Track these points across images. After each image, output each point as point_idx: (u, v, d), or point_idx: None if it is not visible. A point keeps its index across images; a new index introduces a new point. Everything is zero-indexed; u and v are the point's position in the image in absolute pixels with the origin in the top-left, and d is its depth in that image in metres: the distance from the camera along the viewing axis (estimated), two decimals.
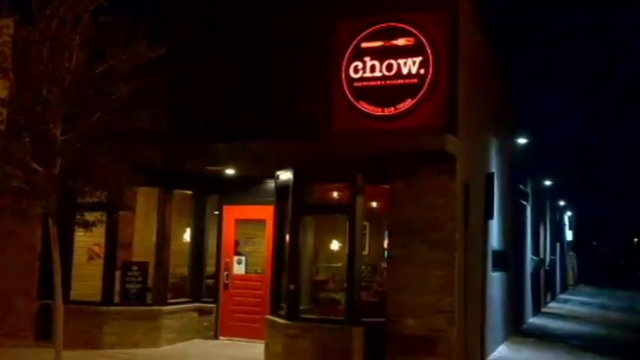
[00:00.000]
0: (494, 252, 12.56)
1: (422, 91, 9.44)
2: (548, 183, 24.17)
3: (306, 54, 10.27)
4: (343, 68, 9.89)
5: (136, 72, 8.06)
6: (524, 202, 18.47)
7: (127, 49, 7.96)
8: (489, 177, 11.31)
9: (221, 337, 12.06)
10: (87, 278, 11.46)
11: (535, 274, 20.92)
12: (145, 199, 12.25)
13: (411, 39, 9.60)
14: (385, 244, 10.20)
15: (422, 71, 9.49)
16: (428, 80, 9.44)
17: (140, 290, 11.28)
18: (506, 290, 14.39)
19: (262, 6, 10.77)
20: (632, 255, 58.64)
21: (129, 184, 8.37)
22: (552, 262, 27.91)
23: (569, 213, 37.82)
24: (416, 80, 9.50)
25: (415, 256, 9.30)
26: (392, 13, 9.75)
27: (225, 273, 12.19)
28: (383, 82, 9.69)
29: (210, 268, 12.39)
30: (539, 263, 22.21)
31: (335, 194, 11.18)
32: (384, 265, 10.37)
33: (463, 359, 9.47)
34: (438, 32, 9.53)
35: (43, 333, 10.85)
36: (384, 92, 9.65)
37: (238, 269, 12.23)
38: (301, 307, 10.15)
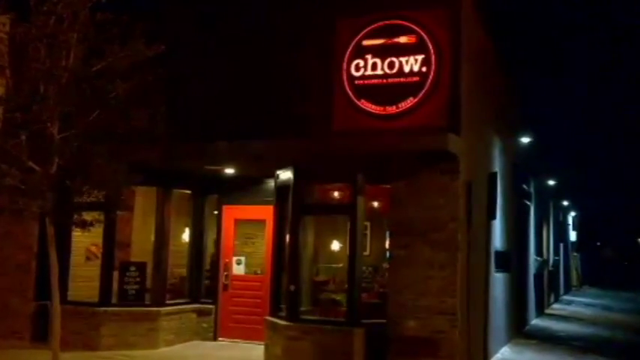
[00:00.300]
0: (497, 253, 12.54)
1: (424, 90, 9.44)
2: (551, 183, 24.14)
3: (306, 52, 10.26)
4: (344, 66, 9.89)
5: (134, 70, 8.05)
6: (528, 202, 18.46)
7: (125, 47, 7.96)
8: (492, 177, 11.30)
9: (220, 339, 12.06)
10: (84, 279, 11.46)
11: (538, 275, 20.90)
12: (144, 199, 12.24)
13: (413, 37, 9.60)
14: (386, 244, 10.20)
15: (424, 69, 9.48)
16: (430, 78, 9.44)
17: (138, 291, 11.28)
18: (509, 291, 14.38)
19: (262, 4, 10.76)
20: (636, 256, 58.60)
21: (127, 184, 8.35)
22: (556, 263, 27.88)
23: (572, 213, 37.78)
24: (418, 78, 9.50)
25: (417, 257, 9.30)
26: (393, 10, 9.75)
27: (225, 273, 12.19)
28: (384, 81, 9.68)
29: (209, 269, 12.38)
30: (542, 264, 22.19)
31: (336, 194, 11.17)
32: (385, 265, 10.37)
33: None
34: (440, 30, 9.52)
35: (40, 334, 10.85)
36: (386, 91, 9.64)
37: (238, 270, 12.22)
38: (301, 309, 10.15)
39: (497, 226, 12.51)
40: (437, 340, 9.05)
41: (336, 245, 11.61)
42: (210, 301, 12.16)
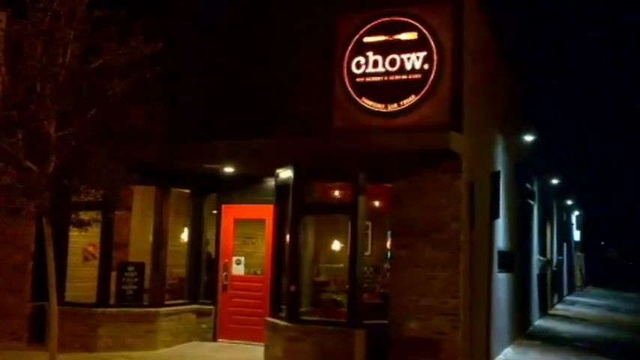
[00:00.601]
0: (500, 253, 12.54)
1: (426, 87, 9.43)
2: (555, 182, 24.13)
3: (306, 49, 10.26)
4: (345, 63, 9.88)
5: (132, 68, 8.05)
6: (531, 202, 18.45)
7: (123, 45, 7.96)
8: (495, 176, 11.29)
9: (219, 340, 12.05)
10: (82, 279, 11.46)
11: (542, 276, 20.90)
12: (142, 198, 12.24)
13: (415, 33, 9.58)
14: (388, 244, 10.19)
15: (426, 67, 9.47)
16: (432, 76, 9.42)
17: (136, 291, 11.29)
18: (512, 292, 14.37)
19: (260, 0, 10.76)
20: None
21: (125, 183, 8.36)
22: (559, 263, 27.89)
23: (576, 212, 37.79)
24: (420, 76, 9.49)
25: (419, 257, 9.29)
26: (395, 6, 9.74)
27: (224, 274, 12.18)
28: (386, 78, 9.67)
29: (208, 269, 12.37)
30: (545, 264, 22.18)
31: (336, 193, 11.17)
32: (386, 266, 10.36)
33: None
34: (443, 27, 9.51)
35: (37, 335, 10.86)
36: (387, 88, 9.64)
37: (237, 270, 12.21)
38: (302, 309, 10.14)
39: (500, 225, 12.50)
40: (439, 342, 9.04)
41: (336, 245, 11.61)
42: (209, 301, 12.15)
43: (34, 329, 11.09)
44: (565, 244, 31.50)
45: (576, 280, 38.18)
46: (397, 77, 9.61)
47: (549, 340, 15.32)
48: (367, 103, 9.72)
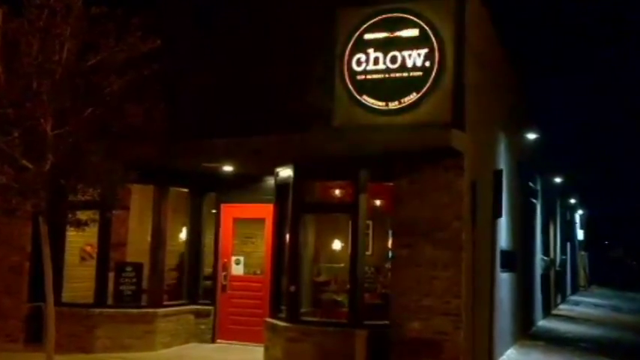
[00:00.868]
0: (503, 252, 12.54)
1: (427, 85, 9.42)
2: (558, 180, 24.13)
3: (306, 46, 10.25)
4: (345, 61, 9.87)
5: (130, 65, 8.04)
6: (534, 200, 18.45)
7: (120, 42, 7.95)
8: (497, 174, 11.29)
9: (219, 341, 12.05)
10: (79, 279, 11.46)
11: (545, 275, 20.90)
12: (140, 198, 12.23)
13: (416, 30, 9.57)
14: (389, 244, 10.18)
15: (427, 64, 9.46)
16: (433, 73, 9.41)
17: (134, 292, 11.29)
18: (515, 292, 14.37)
19: None
20: None
21: (122, 182, 8.35)
22: (563, 263, 27.90)
23: (580, 211, 37.78)
24: (421, 73, 9.48)
25: (420, 257, 9.29)
26: (396, 2, 9.73)
27: (223, 274, 12.18)
28: (386, 75, 9.67)
29: (207, 269, 12.38)
30: (549, 264, 22.19)
31: (337, 192, 11.17)
32: (387, 266, 10.35)
33: None
34: (444, 23, 9.50)
35: (34, 336, 10.86)
36: (388, 85, 9.63)
37: (237, 270, 12.21)
38: (302, 310, 10.15)
39: (503, 224, 12.50)
40: (441, 342, 9.04)
41: (337, 245, 11.61)
42: (208, 302, 12.15)
43: (30, 330, 11.08)
44: (568, 244, 31.50)
45: (580, 279, 38.19)
46: (398, 74, 9.60)
47: (553, 340, 15.32)
48: (368, 100, 9.72)
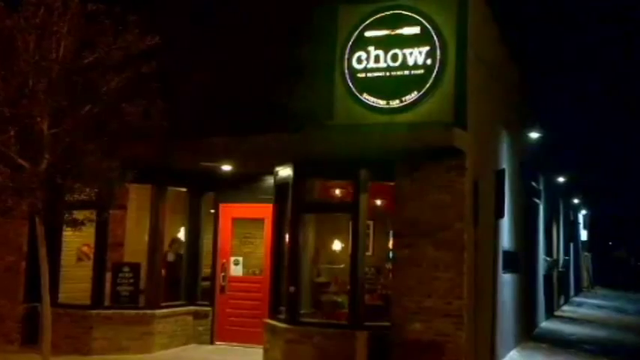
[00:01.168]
0: (505, 253, 12.54)
1: (429, 83, 9.43)
2: (561, 180, 24.13)
3: (306, 43, 10.25)
4: (346, 58, 9.88)
5: (127, 63, 8.05)
6: (537, 200, 18.45)
7: (118, 39, 7.96)
8: (500, 174, 11.28)
9: (217, 342, 12.05)
10: (76, 280, 11.47)
11: (548, 276, 20.91)
12: (138, 197, 12.23)
13: (418, 27, 9.58)
14: (390, 244, 10.19)
15: (429, 62, 9.47)
16: (435, 71, 9.42)
17: (132, 293, 11.28)
18: (518, 293, 14.37)
19: None
20: None
21: (120, 181, 8.36)
22: (566, 264, 27.89)
23: (583, 211, 37.79)
24: (422, 71, 9.49)
25: (421, 258, 9.29)
26: None
27: (222, 275, 12.18)
28: (387, 73, 9.67)
29: (205, 270, 12.38)
30: (552, 264, 22.19)
31: (337, 192, 11.17)
32: (388, 266, 10.36)
33: None
34: (446, 20, 9.51)
35: (30, 338, 10.85)
36: (389, 83, 9.64)
37: (235, 271, 12.21)
38: (302, 311, 10.15)
39: (505, 225, 12.50)
40: (443, 344, 9.04)
41: (337, 245, 11.61)
42: (206, 303, 12.15)
43: (26, 332, 11.09)
44: (572, 244, 31.50)
45: (583, 281, 38.19)
46: (399, 72, 9.61)
47: (556, 342, 15.33)
48: (368, 99, 9.72)
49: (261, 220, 11.92)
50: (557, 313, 22.70)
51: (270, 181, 11.32)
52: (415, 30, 9.60)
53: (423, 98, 9.45)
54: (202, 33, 11.04)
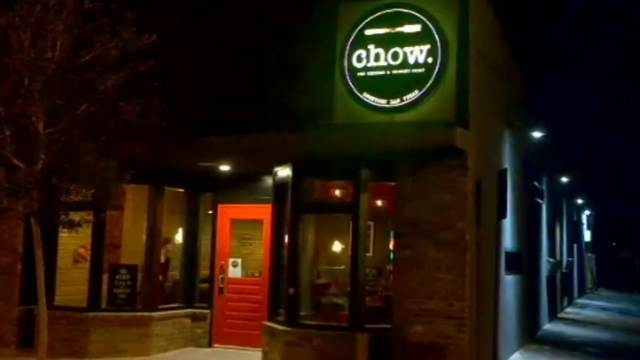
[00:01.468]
0: (508, 254, 12.55)
1: (430, 82, 9.43)
2: (565, 180, 24.14)
3: (306, 42, 10.26)
4: (346, 56, 9.88)
5: (124, 62, 8.06)
6: (540, 200, 18.46)
7: (115, 37, 7.96)
8: (502, 173, 11.29)
9: (215, 345, 12.06)
10: (72, 282, 11.47)
11: (551, 278, 20.92)
12: (135, 198, 12.25)
13: (418, 25, 9.58)
14: (391, 245, 10.20)
15: (430, 60, 9.47)
16: (436, 70, 9.42)
17: (129, 295, 11.29)
18: (521, 294, 14.39)
19: None
20: None
21: (117, 182, 8.37)
22: (569, 265, 27.91)
23: (587, 212, 37.79)
24: (423, 70, 9.49)
25: (423, 258, 9.29)
26: None
27: (220, 276, 12.18)
28: (388, 72, 9.68)
29: (204, 272, 12.38)
30: (555, 266, 22.21)
31: (337, 192, 11.18)
32: (389, 267, 10.37)
33: None
34: (448, 18, 9.52)
35: (26, 341, 10.87)
36: (389, 82, 9.64)
37: (234, 272, 12.22)
38: (301, 313, 10.16)
39: (508, 225, 12.52)
40: (444, 346, 9.05)
41: (337, 246, 11.61)
42: (205, 305, 12.14)
43: (22, 334, 11.10)
44: (575, 245, 31.52)
45: (587, 282, 38.20)
46: (400, 71, 9.61)
47: (559, 344, 15.34)
48: (369, 98, 9.73)
49: (260, 221, 11.92)
50: (560, 315, 22.71)
51: (269, 181, 11.33)
52: (416, 28, 9.60)
53: (424, 97, 9.46)
54: (201, 31, 11.05)
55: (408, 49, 9.59)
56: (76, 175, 7.90)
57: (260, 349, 10.54)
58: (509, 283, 12.80)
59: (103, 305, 11.12)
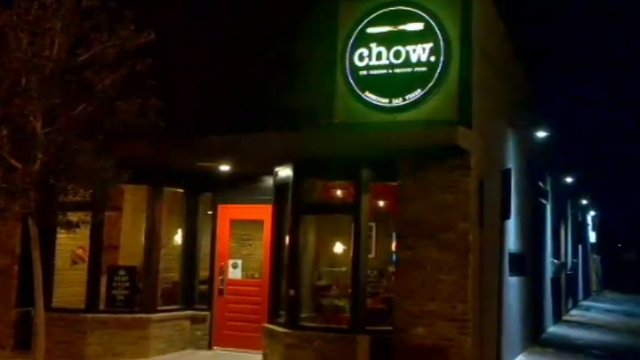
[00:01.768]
0: (511, 255, 12.55)
1: (432, 81, 9.43)
2: (569, 180, 24.14)
3: (306, 40, 10.27)
4: (347, 55, 9.89)
5: (123, 61, 8.06)
6: (544, 201, 18.46)
7: (113, 36, 7.97)
8: (506, 173, 11.30)
9: (215, 348, 12.06)
10: (70, 284, 11.48)
11: (555, 279, 20.92)
12: (133, 198, 12.26)
13: (421, 24, 9.59)
14: (393, 246, 10.20)
15: (432, 59, 9.47)
16: (439, 69, 9.43)
17: (127, 297, 11.30)
18: (524, 296, 14.39)
19: None
20: None
21: (115, 182, 8.37)
22: (574, 266, 27.90)
23: (592, 212, 37.78)
24: (426, 69, 9.50)
25: (425, 260, 9.29)
26: None
27: (220, 278, 12.18)
28: (390, 71, 9.68)
29: (203, 273, 12.39)
30: (559, 267, 22.20)
31: (338, 192, 11.17)
32: (391, 269, 10.36)
33: None
34: (450, 16, 9.51)
35: (23, 343, 10.87)
36: (391, 81, 9.64)
37: (234, 274, 12.22)
38: (302, 315, 10.15)
39: (512, 226, 12.52)
40: (447, 349, 9.04)
41: (338, 247, 11.61)
42: (204, 307, 12.15)
43: (19, 336, 11.10)
44: (580, 247, 31.52)
45: (592, 284, 38.20)
46: (402, 70, 9.61)
47: (563, 347, 15.34)
48: (370, 97, 9.73)
49: (260, 222, 11.93)
50: (565, 317, 22.72)
51: (269, 181, 11.33)
52: (418, 26, 9.60)
53: (427, 96, 9.46)
54: (200, 29, 11.05)
55: (410, 48, 9.59)
56: (73, 175, 7.89)
57: (260, 351, 10.55)
58: (512, 284, 12.80)
59: (101, 307, 11.14)
